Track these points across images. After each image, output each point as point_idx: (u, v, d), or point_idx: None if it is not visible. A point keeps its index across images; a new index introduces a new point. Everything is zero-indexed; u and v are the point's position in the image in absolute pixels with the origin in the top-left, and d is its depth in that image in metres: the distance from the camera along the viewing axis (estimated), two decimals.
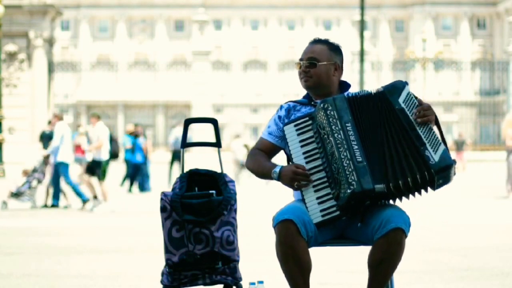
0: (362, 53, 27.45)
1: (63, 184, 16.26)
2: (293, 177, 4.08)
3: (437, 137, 4.02)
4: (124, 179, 23.56)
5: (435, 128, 4.08)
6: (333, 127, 4.06)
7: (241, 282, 4.36)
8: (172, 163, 24.68)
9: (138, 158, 22.67)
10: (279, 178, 4.15)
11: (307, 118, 4.19)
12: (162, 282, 4.33)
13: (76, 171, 24.93)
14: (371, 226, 4.05)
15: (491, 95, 77.89)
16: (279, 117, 4.36)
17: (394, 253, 4.00)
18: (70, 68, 47.91)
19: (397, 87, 4.12)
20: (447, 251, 8.75)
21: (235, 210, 4.33)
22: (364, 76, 28.26)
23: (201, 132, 37.13)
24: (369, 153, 4.01)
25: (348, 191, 3.95)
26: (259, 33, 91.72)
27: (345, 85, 4.41)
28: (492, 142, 66.53)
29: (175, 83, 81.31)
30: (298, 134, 4.18)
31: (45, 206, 16.23)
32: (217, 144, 4.53)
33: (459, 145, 38.04)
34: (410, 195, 4.03)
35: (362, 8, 26.99)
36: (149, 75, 79.84)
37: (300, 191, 4.13)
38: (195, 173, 4.41)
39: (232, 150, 30.24)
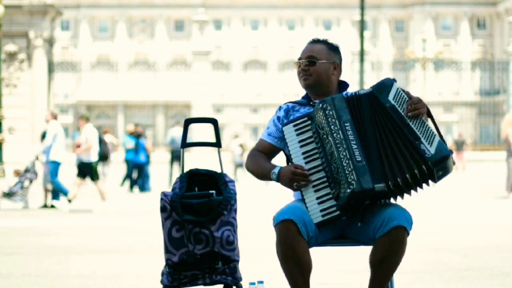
0: (362, 53, 27.44)
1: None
2: (292, 178, 4.08)
3: (431, 130, 4.01)
4: (124, 179, 23.56)
5: (429, 121, 4.08)
6: (332, 127, 4.06)
7: (241, 282, 4.36)
8: (171, 163, 24.68)
9: (142, 158, 22.67)
10: (278, 179, 4.16)
11: (306, 118, 4.19)
12: (162, 282, 4.33)
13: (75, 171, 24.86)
14: (372, 225, 4.05)
15: (491, 95, 77.88)
16: (278, 118, 4.36)
17: (396, 251, 4.00)
18: (70, 68, 47.92)
19: (385, 85, 4.12)
20: (447, 251, 8.75)
21: (235, 210, 4.33)
22: (364, 76, 28.25)
23: (201, 132, 37.14)
24: (368, 152, 4.01)
25: (348, 190, 3.95)
26: (259, 33, 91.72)
27: (344, 85, 4.41)
28: (492, 142, 66.53)
29: (175, 83, 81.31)
30: (297, 134, 4.18)
31: (45, 206, 16.23)
32: (217, 144, 4.53)
33: (459, 145, 38.03)
34: (412, 191, 4.03)
35: (362, 8, 26.98)
36: (149, 75, 79.84)
37: (300, 191, 4.13)
38: (195, 173, 4.41)
39: (231, 150, 30.26)
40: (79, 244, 9.74)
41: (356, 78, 41.92)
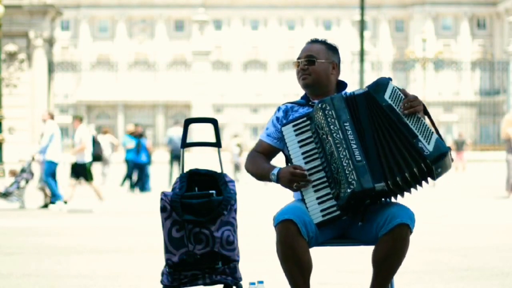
0: (362, 53, 27.44)
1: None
2: (291, 179, 4.08)
3: (428, 127, 4.01)
4: (124, 179, 23.56)
5: (426, 119, 4.08)
6: (331, 127, 4.06)
7: (241, 282, 4.36)
8: (171, 163, 24.68)
9: (143, 158, 22.66)
10: (277, 180, 4.16)
11: (305, 118, 4.19)
12: (162, 282, 4.33)
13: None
14: (375, 224, 4.05)
15: (491, 95, 77.87)
16: (277, 118, 4.36)
17: (399, 249, 4.00)
18: (70, 68, 47.91)
19: (381, 84, 4.12)
20: (447, 251, 8.75)
21: (235, 210, 4.33)
22: (364, 76, 28.26)
23: (201, 132, 37.13)
24: (367, 152, 4.01)
25: (348, 190, 3.95)
26: (259, 33, 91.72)
27: (343, 85, 4.41)
28: (492, 142, 66.52)
29: (175, 83, 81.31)
30: (297, 135, 4.18)
31: (45, 206, 16.23)
32: (217, 144, 4.53)
33: (459, 145, 38.03)
34: (412, 189, 4.03)
35: (362, 8, 26.98)
36: (149, 75, 79.84)
37: (300, 192, 4.13)
38: (195, 173, 4.41)
39: (230, 150, 30.26)
40: (79, 244, 9.74)
41: (356, 78, 41.91)
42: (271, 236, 4.19)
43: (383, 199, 4.11)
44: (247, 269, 5.54)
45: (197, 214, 4.26)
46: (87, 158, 16.07)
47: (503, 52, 64.09)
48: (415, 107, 4.03)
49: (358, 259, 7.83)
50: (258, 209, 15.15)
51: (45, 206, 16.18)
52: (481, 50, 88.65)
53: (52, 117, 16.19)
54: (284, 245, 3.98)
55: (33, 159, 16.47)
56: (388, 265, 4.03)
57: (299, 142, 4.17)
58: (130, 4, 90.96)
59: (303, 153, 4.15)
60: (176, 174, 24.20)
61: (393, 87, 4.11)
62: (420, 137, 3.96)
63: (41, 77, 38.04)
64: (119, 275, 7.14)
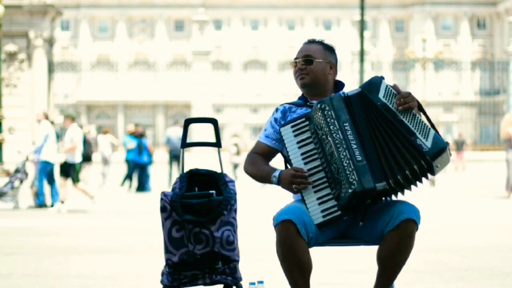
0: (362, 53, 27.45)
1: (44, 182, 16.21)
2: (293, 181, 4.08)
3: (425, 124, 4.01)
4: (124, 179, 23.55)
5: (421, 116, 4.08)
6: (331, 127, 4.05)
7: (241, 282, 4.36)
8: (170, 163, 24.68)
9: (145, 158, 22.64)
10: (278, 182, 4.16)
11: (303, 119, 4.18)
12: (162, 282, 4.33)
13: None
14: (380, 221, 4.06)
15: (491, 95, 77.87)
16: (275, 119, 4.36)
17: (405, 245, 4.02)
18: (70, 68, 47.90)
19: (374, 83, 4.12)
20: (447, 251, 8.75)
21: (235, 210, 4.33)
22: (364, 76, 28.26)
23: (201, 132, 37.14)
24: (367, 152, 4.01)
25: (350, 190, 3.94)
26: (259, 33, 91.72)
27: (340, 85, 4.41)
28: (492, 142, 66.52)
29: (175, 83, 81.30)
30: (295, 135, 4.18)
31: (45, 206, 16.22)
32: (217, 144, 4.53)
33: (459, 145, 38.03)
34: (412, 186, 4.03)
35: (362, 8, 26.98)
36: (149, 75, 79.84)
37: (300, 193, 4.13)
38: (195, 173, 4.41)
39: (228, 150, 30.30)
40: (79, 244, 9.74)
41: (356, 78, 41.90)
42: (271, 236, 4.19)
43: (383, 198, 4.11)
44: (247, 269, 5.54)
45: (197, 214, 4.26)
46: (77, 158, 15.92)
47: (503, 52, 64.10)
48: (409, 103, 4.03)
49: (358, 259, 7.83)
50: (258, 209, 15.15)
51: (45, 205, 16.15)
52: (481, 50, 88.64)
53: (46, 117, 16.14)
54: (284, 246, 3.98)
55: (27, 159, 16.47)
56: (394, 262, 4.04)
57: (298, 142, 4.17)
58: (130, 4, 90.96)
59: (302, 154, 4.15)
60: (175, 174, 24.20)
61: (386, 86, 4.11)
62: (417, 134, 3.97)
63: (41, 77, 38.03)
64: (119, 275, 7.14)
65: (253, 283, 4.32)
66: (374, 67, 49.39)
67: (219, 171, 4.43)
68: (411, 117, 4.02)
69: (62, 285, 6.58)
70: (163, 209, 4.29)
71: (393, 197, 4.14)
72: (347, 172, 3.97)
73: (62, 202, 15.52)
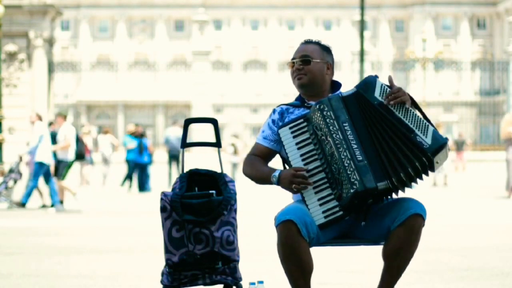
0: (362, 53, 27.45)
1: (41, 183, 16.16)
2: (292, 180, 4.08)
3: (423, 120, 4.01)
4: (124, 179, 23.54)
5: (417, 112, 4.08)
6: (330, 127, 4.05)
7: (241, 282, 4.36)
8: (170, 163, 24.68)
9: (145, 158, 22.64)
10: (278, 182, 4.15)
11: (301, 120, 4.18)
12: (162, 282, 4.33)
13: (76, 170, 24.90)
14: (387, 219, 4.08)
15: (491, 95, 77.86)
16: (273, 121, 4.35)
17: (412, 240, 4.05)
18: (70, 68, 47.90)
19: (369, 82, 4.12)
20: (447, 251, 8.75)
21: (235, 210, 4.33)
22: (364, 76, 28.25)
23: (201, 132, 37.12)
24: (367, 151, 4.01)
25: (351, 190, 3.94)
26: (259, 33, 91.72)
27: (337, 85, 4.41)
28: (492, 142, 66.50)
29: (175, 83, 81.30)
30: (294, 137, 4.17)
31: (44, 206, 16.20)
32: (217, 144, 4.53)
33: (459, 145, 38.01)
34: (413, 184, 4.04)
35: (362, 8, 26.98)
36: (149, 75, 79.83)
37: (300, 193, 4.13)
38: (195, 173, 4.41)
39: (225, 150, 30.29)
40: (79, 244, 9.73)
41: (356, 78, 41.90)
42: (271, 236, 4.20)
43: (385, 197, 4.12)
44: (247, 269, 5.54)
45: (197, 214, 4.26)
46: (70, 156, 15.84)
47: (503, 52, 64.09)
48: (401, 97, 4.04)
49: (358, 259, 7.83)
50: (258, 209, 15.15)
51: (43, 206, 16.15)
52: (481, 50, 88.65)
53: (40, 118, 16.10)
54: (285, 246, 3.99)
55: (21, 159, 16.45)
56: (401, 258, 4.06)
57: (297, 144, 4.16)
58: (130, 4, 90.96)
59: (301, 155, 4.14)
60: (175, 174, 24.20)
61: (382, 84, 4.11)
62: (417, 131, 3.97)
63: (41, 77, 38.03)
64: (119, 275, 7.14)
65: (253, 283, 4.32)
66: (374, 67, 49.39)
67: (219, 171, 4.43)
68: (409, 114, 4.02)
69: (62, 285, 6.58)
70: (163, 209, 4.29)
71: (394, 196, 4.14)
72: (348, 172, 3.96)
73: (61, 202, 15.50)
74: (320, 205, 4.06)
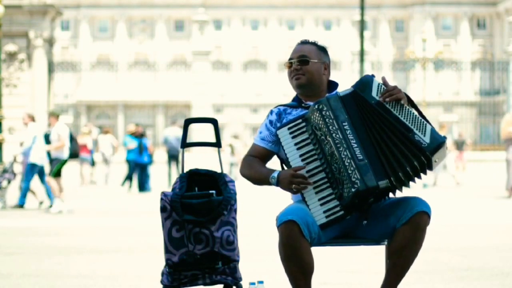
0: (362, 53, 27.45)
1: (34, 182, 16.13)
2: (292, 180, 4.07)
3: (421, 119, 4.01)
4: (125, 180, 23.54)
5: (414, 111, 4.08)
6: (330, 127, 4.05)
7: (241, 282, 4.36)
8: (169, 163, 24.69)
9: (145, 158, 22.64)
10: (277, 183, 4.15)
11: (300, 120, 4.18)
12: (162, 282, 4.33)
13: (76, 171, 24.93)
14: (392, 217, 4.08)
15: (491, 95, 77.88)
16: (271, 122, 4.35)
17: (418, 238, 4.07)
18: (70, 68, 47.91)
19: (366, 82, 4.12)
20: (447, 251, 8.75)
21: (235, 210, 4.33)
22: None
23: (201, 132, 37.13)
24: (367, 150, 4.01)
25: (353, 190, 3.94)
26: (259, 33, 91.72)
27: (333, 85, 4.42)
28: (492, 142, 66.52)
29: (175, 83, 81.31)
30: (293, 137, 4.17)
31: (41, 203, 16.16)
32: (217, 144, 4.53)
33: (459, 145, 37.97)
34: (411, 182, 4.04)
35: (362, 8, 26.98)
36: (149, 75, 79.85)
37: (300, 193, 4.13)
38: (195, 173, 4.41)
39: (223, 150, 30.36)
40: (79, 244, 9.73)
41: (356, 78, 41.90)
42: (271, 236, 4.20)
43: (386, 196, 4.13)
44: (247, 269, 5.54)
45: (197, 214, 4.26)
46: (64, 154, 15.73)
47: (503, 52, 64.10)
48: (396, 95, 4.04)
49: (358, 259, 7.83)
50: (258, 209, 15.15)
51: (22, 206, 16.06)
52: (481, 50, 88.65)
53: (33, 119, 16.05)
54: (287, 246, 3.99)
55: (15, 159, 16.42)
56: (406, 255, 4.07)
57: (295, 144, 4.16)
58: (130, 4, 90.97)
59: (301, 155, 4.14)
60: (174, 174, 24.20)
61: (378, 84, 4.11)
62: (415, 130, 3.97)
63: (41, 77, 38.04)
64: (119, 275, 7.14)
65: (253, 283, 4.32)
66: (374, 67, 49.40)
67: (219, 171, 4.43)
68: (406, 113, 4.02)
69: (62, 285, 6.58)
70: (163, 209, 4.29)
71: (391, 195, 4.14)
72: (349, 172, 3.96)
73: (62, 201, 15.45)
74: (321, 205, 4.06)
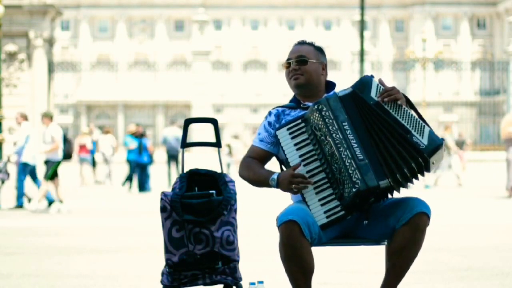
0: (362, 53, 27.46)
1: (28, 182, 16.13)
2: (292, 180, 4.07)
3: (419, 121, 4.01)
4: (126, 179, 23.54)
5: (413, 112, 4.08)
6: (330, 127, 4.05)
7: (241, 282, 4.36)
8: (168, 163, 24.69)
9: (145, 158, 22.64)
10: (277, 185, 4.14)
11: (299, 121, 4.18)
12: (162, 282, 4.33)
13: (77, 171, 24.93)
14: (392, 218, 4.08)
15: (491, 95, 77.88)
16: (269, 123, 4.35)
17: (417, 239, 4.07)
18: (70, 68, 47.92)
19: (365, 82, 4.12)
20: (447, 251, 8.75)
21: (235, 210, 4.33)
22: None
23: (201, 132, 37.13)
24: (367, 150, 4.01)
25: (353, 190, 3.94)
26: (259, 33, 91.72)
27: (331, 85, 4.42)
28: (492, 142, 66.51)
29: (175, 83, 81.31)
30: (292, 138, 4.17)
31: (22, 207, 16.07)
32: (217, 144, 4.53)
33: (459, 145, 37.97)
34: (410, 184, 4.05)
35: (362, 8, 26.99)
36: (149, 75, 79.85)
37: (300, 194, 4.12)
38: (195, 173, 4.41)
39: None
40: (79, 244, 9.73)
41: (356, 78, 41.90)
42: (271, 236, 4.20)
43: (386, 196, 4.13)
44: (247, 269, 5.54)
45: (197, 214, 4.26)
46: (58, 156, 15.63)
47: (503, 52, 64.11)
48: (394, 95, 4.04)
49: (358, 259, 7.83)
50: (258, 209, 15.15)
51: (22, 207, 16.04)
52: (481, 50, 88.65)
53: (26, 118, 15.99)
54: (287, 246, 3.99)
55: (8, 159, 16.41)
56: (406, 256, 4.08)
57: (295, 144, 4.16)
58: (130, 4, 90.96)
59: (300, 156, 4.14)
60: (174, 174, 24.20)
61: (377, 84, 4.11)
62: (413, 131, 3.97)
63: (41, 77, 38.04)
64: (119, 275, 7.14)
65: (253, 283, 4.32)
66: (374, 67, 49.41)
67: (219, 171, 4.43)
68: (405, 115, 4.02)
69: (62, 285, 6.58)
70: (163, 209, 4.29)
71: (393, 195, 4.14)
72: (350, 171, 3.96)
73: (61, 201, 15.42)
74: (322, 205, 4.06)
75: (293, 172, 4.07)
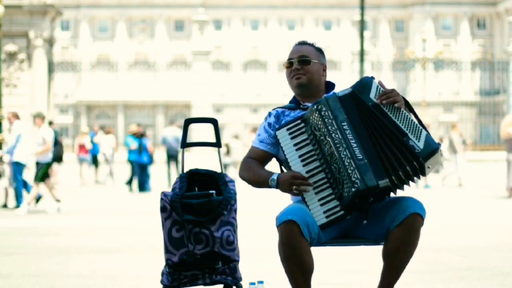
0: (362, 53, 27.45)
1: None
2: (292, 182, 4.07)
3: (416, 124, 4.01)
4: (130, 179, 23.54)
5: (411, 116, 4.08)
6: (329, 127, 4.05)
7: (241, 282, 4.36)
8: (168, 163, 24.69)
9: (145, 158, 22.65)
10: (277, 186, 4.15)
11: (299, 121, 4.18)
12: (162, 282, 4.33)
13: (77, 171, 24.92)
14: (387, 218, 4.08)
15: (491, 95, 77.87)
16: (269, 124, 4.35)
17: (412, 239, 4.06)
18: (70, 68, 47.91)
19: (365, 83, 4.12)
20: (447, 251, 8.75)
21: (235, 210, 4.33)
22: (364, 76, 28.22)
23: (201, 132, 37.12)
24: (367, 150, 4.01)
25: (353, 189, 3.94)
26: (259, 33, 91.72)
27: (330, 85, 4.43)
28: (492, 142, 66.50)
29: (175, 83, 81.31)
30: (292, 138, 4.17)
31: (5, 206, 16.05)
32: (217, 144, 4.53)
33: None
34: (405, 186, 4.04)
35: (362, 8, 26.98)
36: (149, 75, 79.85)
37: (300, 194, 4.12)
38: (195, 173, 4.41)
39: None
40: (79, 244, 9.73)
41: (356, 78, 41.90)
42: (271, 236, 4.20)
43: (386, 196, 4.13)
44: (247, 269, 5.54)
45: (197, 214, 4.26)
46: (48, 158, 15.56)
47: (503, 52, 64.10)
48: (394, 97, 4.04)
49: (358, 259, 7.83)
50: (258, 209, 15.15)
51: (5, 206, 16.02)
52: (481, 50, 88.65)
53: (17, 117, 15.93)
54: (286, 246, 3.99)
55: (1, 159, 16.39)
56: (400, 257, 4.07)
57: (295, 145, 4.16)
58: (130, 4, 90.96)
59: (300, 156, 4.14)
60: (173, 174, 24.20)
61: (377, 86, 4.11)
62: (410, 135, 3.97)
63: (41, 77, 38.03)
64: (119, 275, 7.14)
65: (253, 283, 4.33)
66: (374, 67, 49.40)
67: (219, 171, 4.43)
68: (402, 117, 4.02)
69: (62, 285, 6.58)
70: (163, 209, 4.29)
71: (392, 194, 4.14)
72: (349, 171, 3.96)
73: (58, 201, 15.39)
74: (321, 205, 4.06)
75: (293, 173, 4.07)
